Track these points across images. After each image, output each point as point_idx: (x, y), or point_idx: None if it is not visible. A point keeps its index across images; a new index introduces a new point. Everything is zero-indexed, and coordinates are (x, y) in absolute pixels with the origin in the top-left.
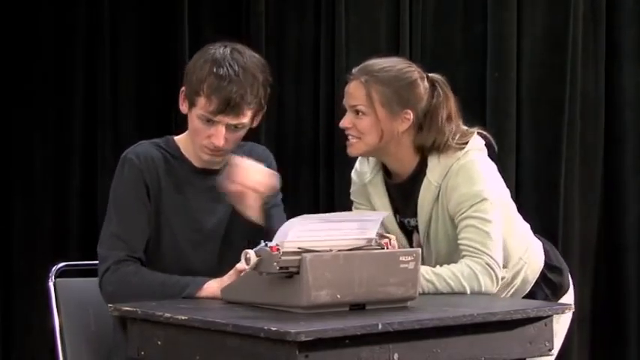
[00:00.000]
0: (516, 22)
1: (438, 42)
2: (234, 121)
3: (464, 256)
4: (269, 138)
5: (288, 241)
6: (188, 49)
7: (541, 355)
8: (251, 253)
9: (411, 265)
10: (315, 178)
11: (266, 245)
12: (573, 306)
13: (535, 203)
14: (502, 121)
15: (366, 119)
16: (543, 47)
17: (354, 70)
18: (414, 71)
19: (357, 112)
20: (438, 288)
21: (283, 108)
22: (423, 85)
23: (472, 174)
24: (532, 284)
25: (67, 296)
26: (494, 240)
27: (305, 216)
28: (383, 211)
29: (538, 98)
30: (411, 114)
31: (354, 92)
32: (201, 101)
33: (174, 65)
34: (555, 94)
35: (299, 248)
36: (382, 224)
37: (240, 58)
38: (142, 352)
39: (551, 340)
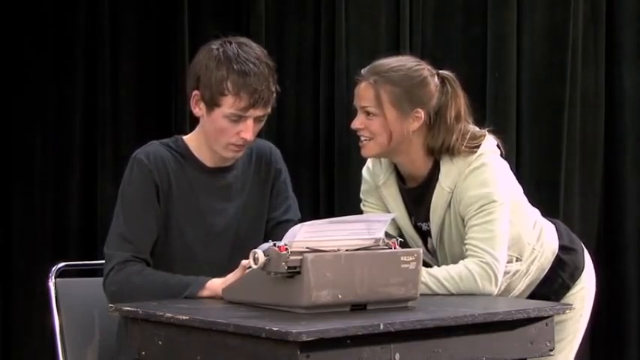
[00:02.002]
0: (516, 22)
1: (438, 42)
2: (262, 113)
3: (467, 255)
4: (269, 138)
5: (297, 241)
6: (188, 49)
7: (542, 356)
8: (259, 252)
9: (412, 266)
10: (315, 179)
11: (274, 245)
12: (574, 305)
13: (535, 203)
14: (502, 121)
15: (377, 120)
16: (543, 47)
17: (363, 71)
18: (424, 69)
19: (367, 113)
20: (432, 289)
21: (283, 108)
22: (434, 83)
23: (482, 177)
24: (547, 270)
25: (67, 296)
26: (499, 240)
27: (313, 222)
28: (391, 213)
29: (538, 98)
30: (422, 113)
31: (364, 93)
32: (229, 100)
33: (174, 65)
34: (555, 94)
35: (307, 248)
36: (398, 226)
37: (250, 51)
38: (143, 352)
39: (552, 340)
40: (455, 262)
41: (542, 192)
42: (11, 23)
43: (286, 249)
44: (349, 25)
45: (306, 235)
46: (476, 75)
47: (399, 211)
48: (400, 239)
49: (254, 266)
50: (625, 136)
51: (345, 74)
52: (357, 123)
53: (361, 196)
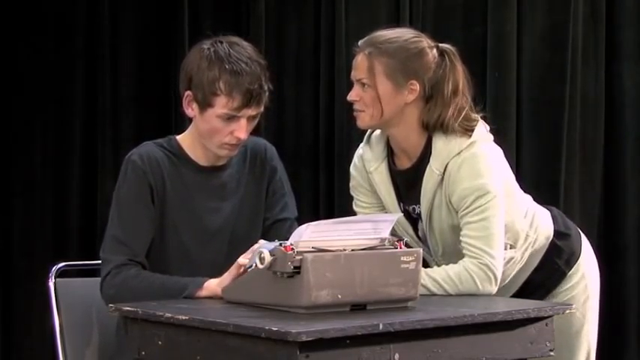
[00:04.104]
0: (516, 22)
1: (438, 42)
2: (255, 112)
3: (465, 254)
4: (269, 138)
5: (303, 241)
6: (188, 49)
7: (542, 356)
8: (265, 252)
9: (412, 266)
10: (315, 179)
11: (280, 245)
12: (573, 305)
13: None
14: (502, 121)
15: (371, 92)
16: (543, 47)
17: (359, 43)
18: (422, 41)
19: (362, 84)
20: (432, 291)
21: (283, 108)
22: (432, 55)
23: (475, 168)
24: (541, 255)
25: (67, 296)
26: (496, 237)
27: (319, 222)
28: (393, 209)
29: (538, 98)
30: (417, 85)
31: (359, 65)
32: (221, 100)
33: (174, 65)
34: (555, 94)
35: (313, 248)
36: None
37: (242, 50)
38: (143, 352)
39: (552, 341)
40: (446, 250)
41: (542, 192)
42: (11, 23)
43: (292, 249)
44: (349, 25)
45: (313, 235)
46: (476, 75)
47: (388, 196)
48: (406, 239)
49: (260, 266)
50: (625, 136)
51: (345, 74)
52: (352, 95)
53: (351, 192)
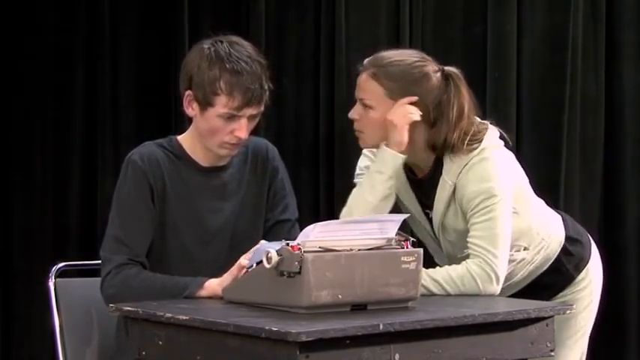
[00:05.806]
0: (516, 22)
1: (438, 42)
2: (255, 111)
3: (469, 254)
4: (269, 138)
5: (310, 241)
6: (188, 49)
7: (542, 356)
8: (272, 252)
9: (413, 266)
10: (315, 178)
11: (287, 244)
12: (574, 305)
13: None
14: (502, 121)
15: (373, 113)
16: (543, 47)
17: (365, 62)
18: (427, 65)
19: (364, 105)
20: (434, 292)
21: (283, 108)
22: (435, 78)
23: (483, 172)
24: (552, 260)
25: (67, 296)
26: (501, 238)
27: (327, 222)
28: (414, 210)
29: (538, 98)
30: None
31: (362, 85)
32: (222, 100)
33: (174, 65)
34: (555, 94)
35: (320, 248)
36: (412, 216)
37: (242, 50)
38: (143, 352)
39: (552, 341)
40: (457, 249)
41: (542, 192)
42: (11, 22)
43: (299, 248)
44: (349, 25)
45: (319, 235)
46: (476, 75)
47: (407, 194)
48: (413, 239)
49: (267, 265)
50: (625, 136)
51: (345, 74)
52: (354, 113)
53: (358, 171)
